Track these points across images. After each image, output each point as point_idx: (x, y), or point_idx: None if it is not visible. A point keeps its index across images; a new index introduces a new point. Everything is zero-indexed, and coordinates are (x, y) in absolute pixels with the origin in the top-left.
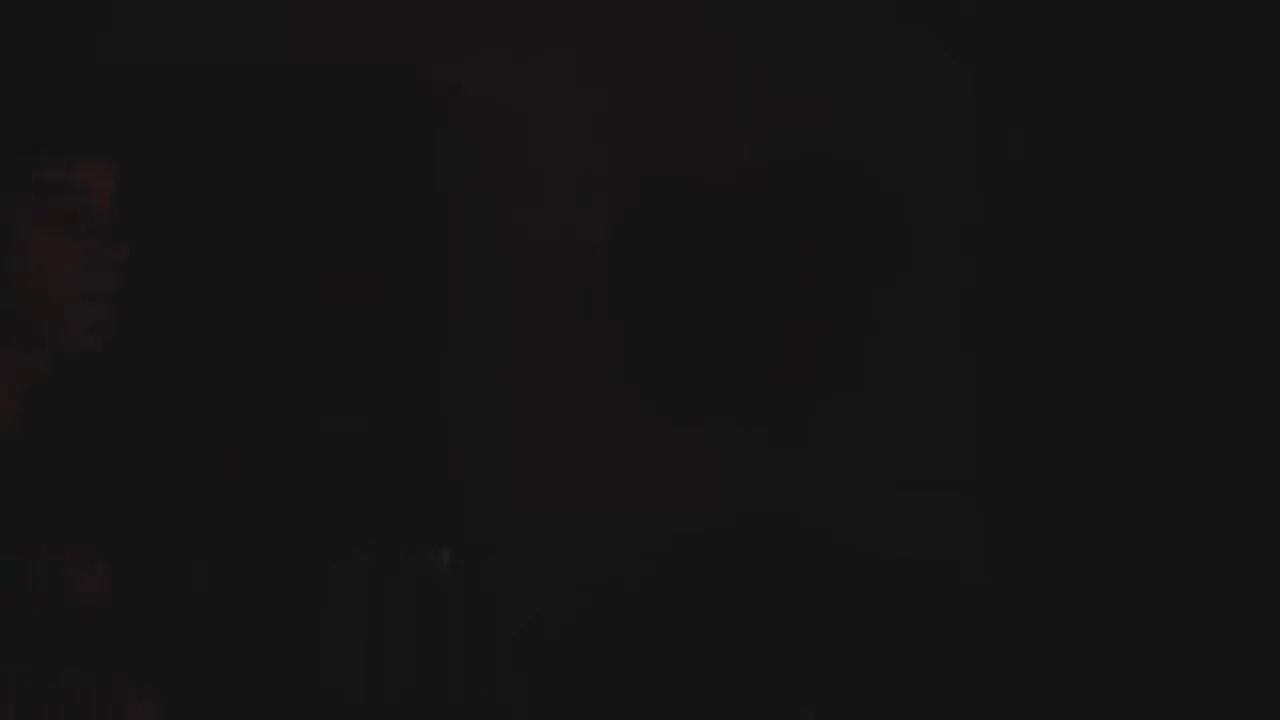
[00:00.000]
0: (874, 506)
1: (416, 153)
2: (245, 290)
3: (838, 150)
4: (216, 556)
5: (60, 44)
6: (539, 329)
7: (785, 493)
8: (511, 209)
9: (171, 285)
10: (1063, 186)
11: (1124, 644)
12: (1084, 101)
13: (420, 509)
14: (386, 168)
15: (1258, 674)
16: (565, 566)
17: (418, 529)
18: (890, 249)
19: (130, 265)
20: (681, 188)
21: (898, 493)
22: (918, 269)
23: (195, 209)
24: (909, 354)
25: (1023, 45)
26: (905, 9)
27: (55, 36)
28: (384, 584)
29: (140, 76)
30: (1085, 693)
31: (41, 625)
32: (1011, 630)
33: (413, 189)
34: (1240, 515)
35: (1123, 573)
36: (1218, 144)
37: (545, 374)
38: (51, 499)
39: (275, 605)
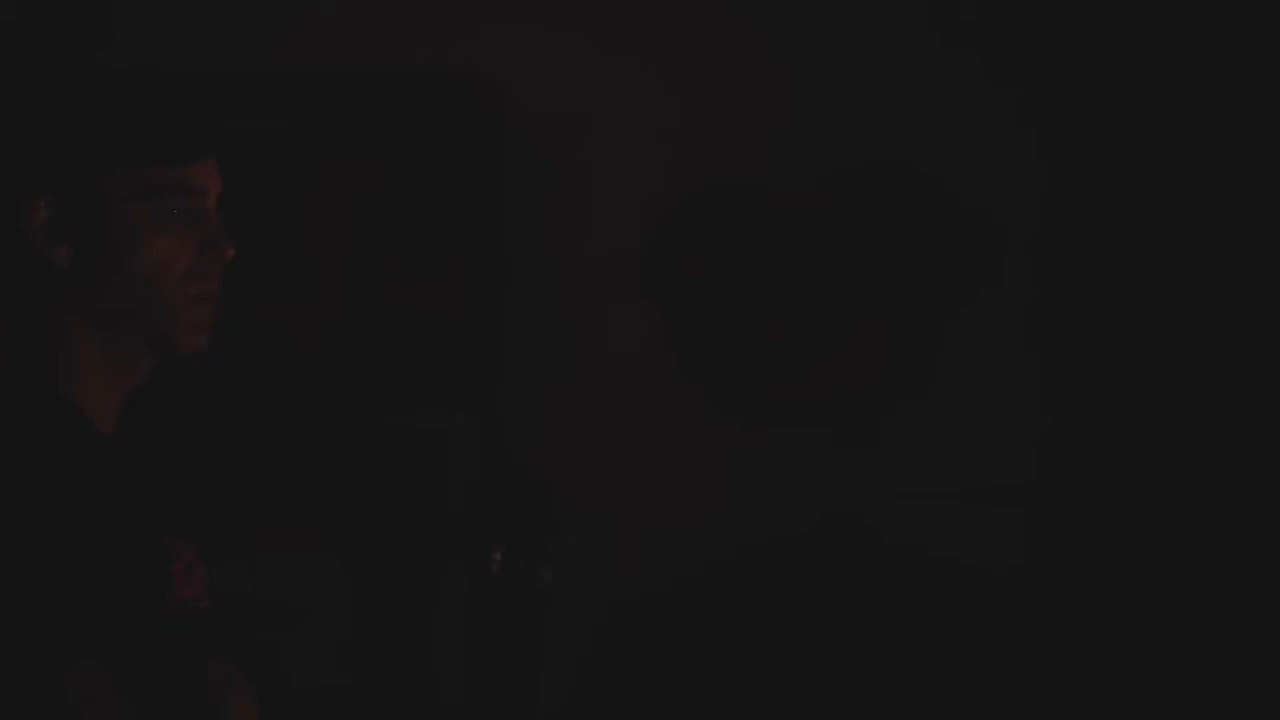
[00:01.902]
0: (936, 511)
1: (478, 156)
2: (301, 291)
3: (903, 157)
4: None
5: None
6: (599, 332)
7: (848, 494)
8: (573, 214)
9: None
10: (1139, 194)
11: (1181, 650)
12: (1159, 112)
13: (482, 508)
14: (449, 170)
15: None
16: (620, 567)
17: (485, 529)
18: (961, 258)
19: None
20: (750, 195)
21: (961, 498)
22: (989, 278)
23: (266, 211)
24: (977, 362)
25: (1094, 66)
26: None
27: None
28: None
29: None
30: (1147, 697)
31: (151, 624)
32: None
33: (474, 193)
34: None
35: (1186, 583)
36: None
37: (604, 376)
38: (154, 499)
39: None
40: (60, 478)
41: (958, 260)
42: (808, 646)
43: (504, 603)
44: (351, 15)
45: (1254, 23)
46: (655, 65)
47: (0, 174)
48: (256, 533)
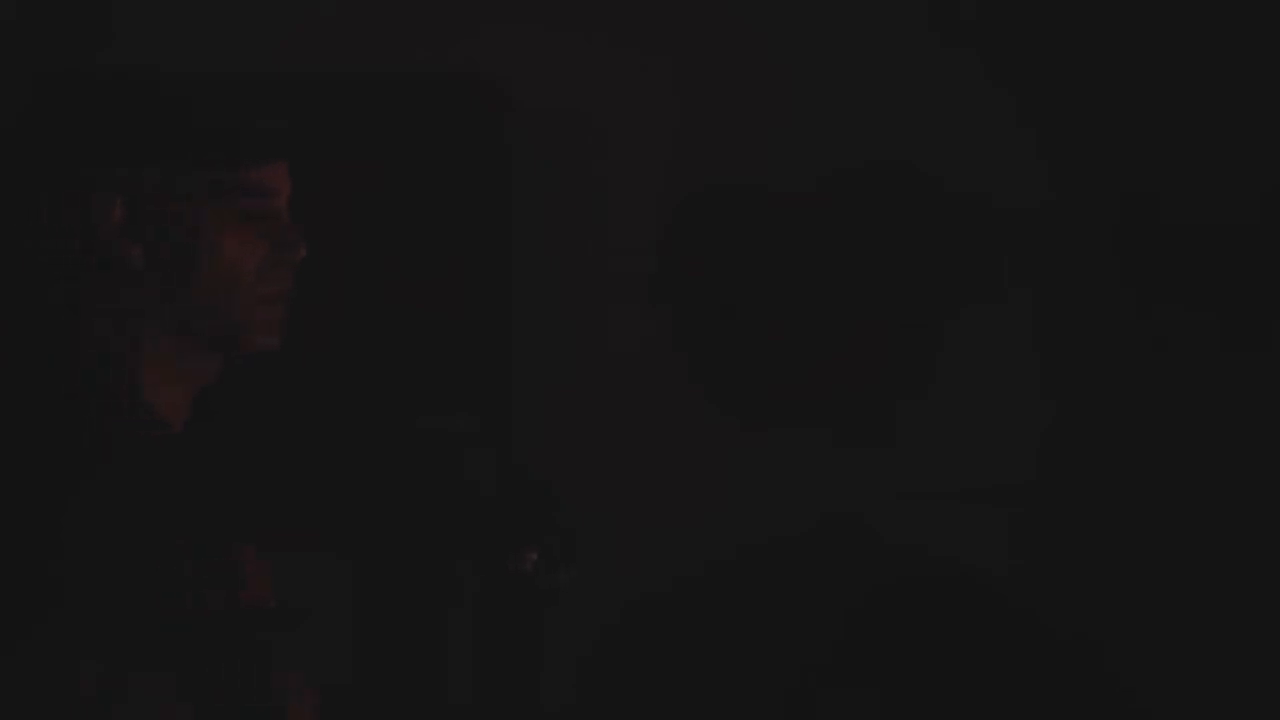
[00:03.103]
0: (936, 511)
1: (479, 156)
2: (303, 292)
3: (903, 157)
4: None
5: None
6: (599, 332)
7: (848, 494)
8: (573, 215)
9: None
10: (1139, 194)
11: (1182, 649)
12: (1159, 112)
13: (499, 509)
14: (450, 170)
15: None
16: (620, 567)
17: (504, 530)
18: (961, 258)
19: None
20: (750, 195)
21: (961, 498)
22: (989, 278)
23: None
24: (977, 362)
25: (1094, 66)
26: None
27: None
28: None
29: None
30: (1147, 697)
31: (218, 626)
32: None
33: (476, 193)
34: None
35: (1187, 583)
36: None
37: (604, 376)
38: (220, 499)
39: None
40: (135, 477)
41: (958, 260)
42: (808, 646)
43: (527, 604)
44: (351, 15)
45: (1254, 23)
46: (655, 65)
47: (76, 174)
48: (258, 533)
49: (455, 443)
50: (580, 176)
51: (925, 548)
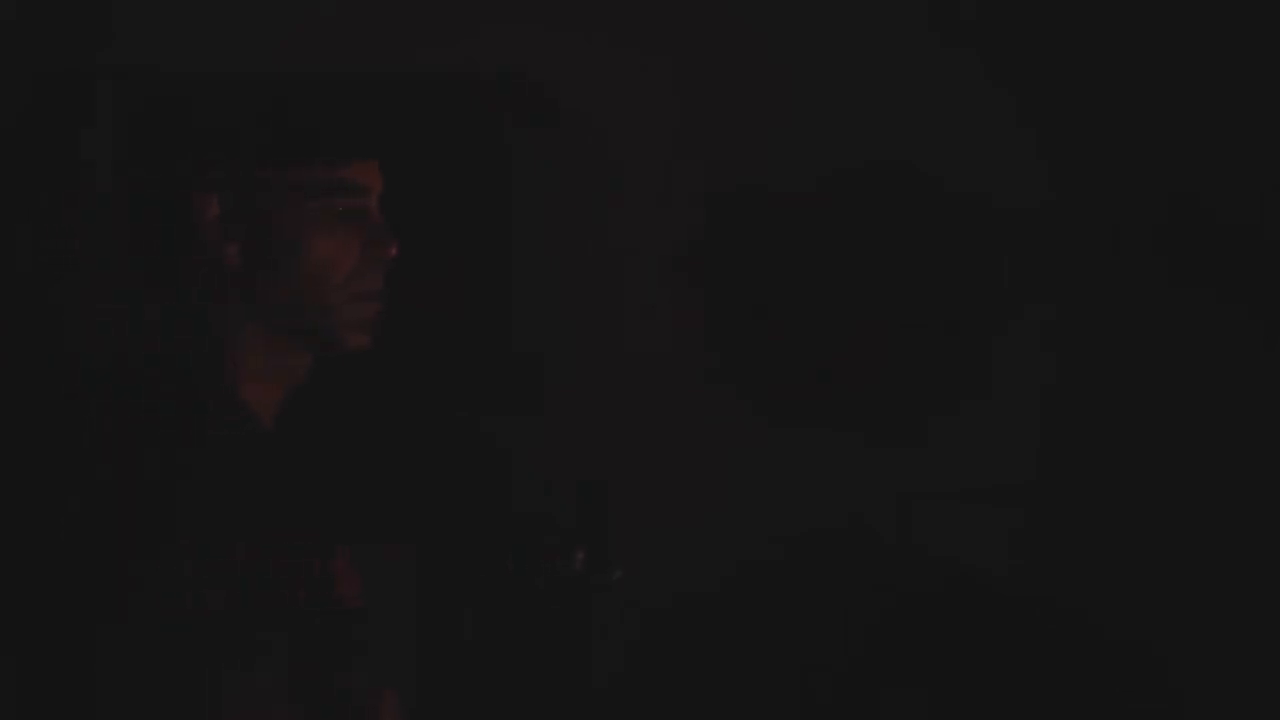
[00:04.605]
0: (937, 511)
1: (479, 157)
2: None
3: (903, 157)
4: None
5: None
6: (598, 333)
7: (848, 494)
8: (573, 215)
9: None
10: (1139, 194)
11: (1186, 649)
12: (1159, 112)
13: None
14: (450, 170)
15: None
16: (647, 569)
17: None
18: (961, 258)
19: None
20: (750, 195)
21: (961, 498)
22: (989, 278)
23: None
24: (978, 362)
25: (1094, 65)
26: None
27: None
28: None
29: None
30: (1156, 697)
31: (311, 625)
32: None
33: (477, 194)
34: None
35: (1189, 583)
36: None
37: (604, 377)
38: (311, 498)
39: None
40: (232, 473)
41: (957, 260)
42: (807, 647)
43: (580, 601)
44: (351, 15)
45: (1254, 22)
46: (655, 66)
47: (173, 172)
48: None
49: (470, 442)
50: (580, 176)
51: (925, 548)
